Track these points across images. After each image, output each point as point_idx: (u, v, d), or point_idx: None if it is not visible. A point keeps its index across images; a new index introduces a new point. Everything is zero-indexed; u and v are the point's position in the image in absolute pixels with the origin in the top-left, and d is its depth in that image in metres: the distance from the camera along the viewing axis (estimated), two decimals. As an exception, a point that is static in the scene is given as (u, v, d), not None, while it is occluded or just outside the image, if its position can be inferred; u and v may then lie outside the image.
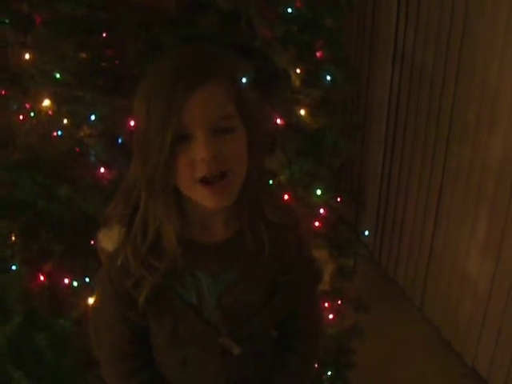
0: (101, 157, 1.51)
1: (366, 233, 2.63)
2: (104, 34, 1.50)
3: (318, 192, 1.76)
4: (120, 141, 1.50)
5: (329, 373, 1.97)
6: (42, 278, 1.53)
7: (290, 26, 1.62)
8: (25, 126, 1.56)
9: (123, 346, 1.06)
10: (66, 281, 1.55)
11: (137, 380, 1.08)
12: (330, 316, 1.93)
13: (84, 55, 1.49)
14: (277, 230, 1.01)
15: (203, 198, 0.91)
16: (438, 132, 2.53)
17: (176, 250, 0.95)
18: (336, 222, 1.90)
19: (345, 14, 1.81)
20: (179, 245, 0.95)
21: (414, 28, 2.62)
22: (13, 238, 1.52)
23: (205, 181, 0.89)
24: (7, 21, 1.50)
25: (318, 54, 1.74)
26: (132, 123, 1.35)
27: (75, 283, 1.55)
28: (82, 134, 1.52)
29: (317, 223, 1.83)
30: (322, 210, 1.83)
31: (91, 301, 1.45)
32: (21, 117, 1.57)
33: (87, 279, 1.54)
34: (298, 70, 1.68)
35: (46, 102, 1.51)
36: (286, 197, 1.69)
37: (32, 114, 1.54)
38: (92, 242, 1.41)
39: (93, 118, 1.49)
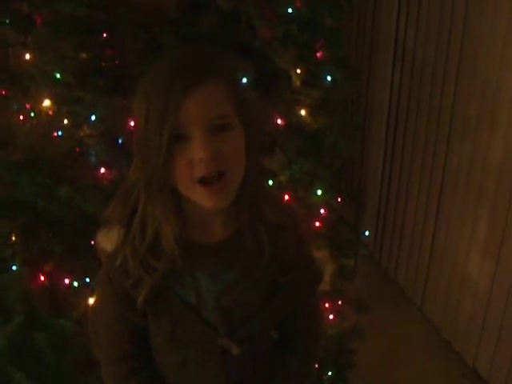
0: (101, 157, 1.51)
1: (367, 233, 2.63)
2: (104, 34, 1.50)
3: (319, 192, 1.76)
4: (120, 141, 1.50)
5: (329, 373, 1.97)
6: (42, 278, 1.53)
7: (290, 26, 1.62)
8: (25, 126, 1.56)
9: (122, 347, 1.06)
10: (67, 281, 1.55)
11: (136, 381, 1.08)
12: (331, 316, 1.93)
13: (84, 55, 1.49)
14: (277, 231, 1.01)
15: (201, 198, 0.91)
16: (438, 132, 2.53)
17: (174, 251, 0.95)
18: (336, 222, 1.90)
19: (345, 14, 1.81)
20: (178, 245, 0.95)
21: (414, 28, 2.62)
22: (13, 238, 1.52)
23: (203, 181, 0.89)
24: (7, 21, 1.50)
25: (318, 54, 1.74)
26: (132, 123, 1.35)
27: (75, 283, 1.55)
28: (82, 134, 1.52)
29: (317, 223, 1.83)
30: (322, 210, 1.83)
31: (92, 301, 1.45)
32: (21, 117, 1.57)
33: (87, 279, 1.54)
34: (299, 70, 1.68)
35: (47, 102, 1.51)
36: (286, 197, 1.69)
37: (32, 114, 1.54)
38: (92, 242, 1.40)
39: (93, 118, 1.49)
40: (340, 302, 1.95)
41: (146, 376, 1.09)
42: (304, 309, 1.15)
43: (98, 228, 1.08)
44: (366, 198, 2.85)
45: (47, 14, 1.48)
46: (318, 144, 1.76)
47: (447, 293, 2.59)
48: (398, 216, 2.94)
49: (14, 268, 1.53)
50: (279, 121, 1.68)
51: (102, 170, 1.52)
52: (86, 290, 1.52)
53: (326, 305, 1.90)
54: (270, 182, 1.67)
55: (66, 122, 1.51)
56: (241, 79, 1.52)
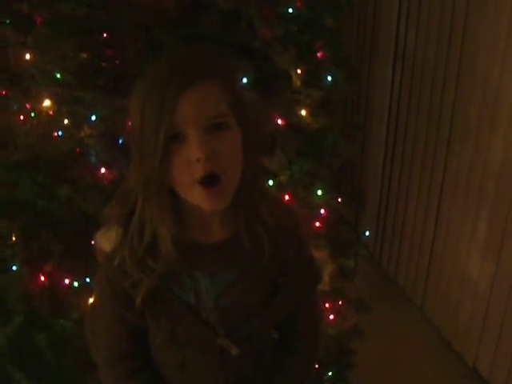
0: (101, 157, 1.51)
1: (367, 233, 2.62)
2: (104, 35, 1.50)
3: (319, 192, 1.76)
4: (120, 141, 1.50)
5: (329, 373, 1.97)
6: (42, 278, 1.53)
7: (290, 26, 1.62)
8: (25, 126, 1.56)
9: (120, 347, 1.06)
10: (67, 281, 1.55)
11: (135, 381, 1.08)
12: (331, 316, 1.93)
13: (84, 55, 1.49)
14: (276, 231, 1.01)
15: (199, 199, 0.91)
16: (438, 132, 2.53)
17: (171, 253, 0.95)
18: (336, 222, 1.90)
19: (345, 14, 1.81)
20: (176, 246, 0.95)
21: (414, 28, 2.62)
22: (13, 238, 1.52)
23: (203, 182, 0.89)
24: (8, 21, 1.50)
25: (318, 54, 1.74)
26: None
27: (76, 283, 1.55)
28: (82, 134, 1.52)
29: (317, 223, 1.83)
30: (322, 211, 1.83)
31: (92, 300, 1.45)
32: (21, 117, 1.57)
33: (88, 279, 1.53)
34: (299, 71, 1.68)
35: (47, 102, 1.51)
36: (286, 197, 1.69)
37: (32, 115, 1.54)
38: (92, 242, 1.41)
39: (93, 118, 1.49)
40: (340, 302, 1.95)
41: (145, 377, 1.09)
42: (304, 309, 1.15)
43: (98, 228, 1.08)
44: (367, 198, 2.84)
45: (47, 14, 1.48)
46: (318, 144, 1.76)
47: (447, 293, 2.58)
48: (398, 216, 2.93)
49: (14, 268, 1.53)
50: (279, 121, 1.68)
51: (103, 170, 1.52)
52: (86, 290, 1.52)
53: (327, 305, 1.90)
54: (270, 182, 1.67)
55: (66, 122, 1.51)
56: (240, 79, 1.53)
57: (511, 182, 2.11)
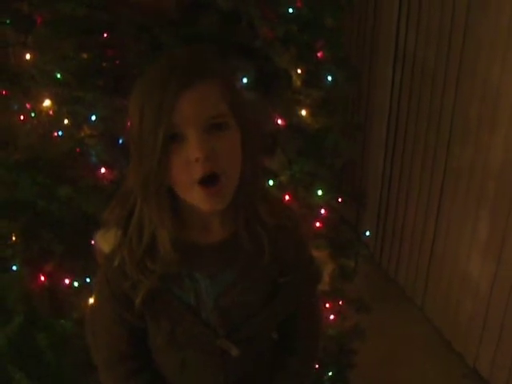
0: (101, 157, 1.51)
1: (367, 233, 2.62)
2: (105, 35, 1.50)
3: (319, 192, 1.76)
4: (120, 141, 1.50)
5: (330, 373, 1.97)
6: (42, 278, 1.53)
7: (290, 26, 1.62)
8: (25, 126, 1.56)
9: (120, 348, 1.06)
10: (67, 281, 1.55)
11: (135, 382, 1.08)
12: (331, 317, 1.92)
13: (85, 55, 1.49)
14: (276, 231, 1.01)
15: (199, 200, 0.91)
16: (439, 132, 2.52)
17: (170, 254, 0.95)
18: (337, 222, 1.90)
19: (345, 14, 1.81)
20: (174, 248, 0.95)
21: (415, 28, 2.62)
22: (13, 238, 1.52)
23: (203, 182, 0.88)
24: (8, 21, 1.49)
25: (318, 54, 1.74)
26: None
27: (76, 283, 1.55)
28: (82, 134, 1.52)
29: (318, 223, 1.83)
30: (322, 211, 1.83)
31: (92, 301, 1.45)
32: (21, 117, 1.56)
33: (88, 279, 1.53)
34: (299, 71, 1.68)
35: (47, 103, 1.51)
36: (286, 197, 1.69)
37: (33, 115, 1.54)
38: (92, 243, 1.41)
39: (93, 118, 1.49)
40: (340, 302, 1.94)
41: (145, 377, 1.09)
42: (304, 309, 1.15)
43: (98, 228, 1.08)
44: (367, 197, 2.84)
45: (47, 14, 1.48)
46: (319, 144, 1.76)
47: (448, 293, 2.58)
48: (398, 216, 2.93)
49: (15, 268, 1.53)
50: (280, 121, 1.68)
51: (103, 170, 1.52)
52: (87, 290, 1.52)
53: (327, 305, 1.90)
54: (271, 182, 1.67)
55: (66, 122, 1.51)
56: (241, 79, 1.53)
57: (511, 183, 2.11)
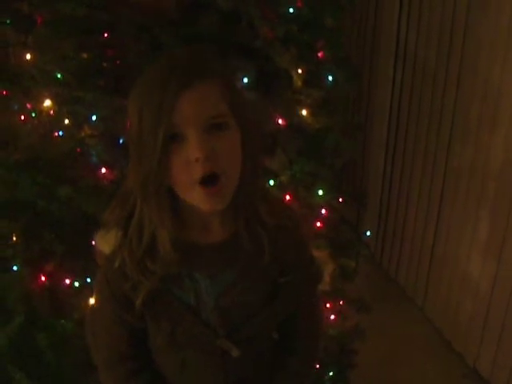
0: (102, 157, 1.51)
1: (368, 233, 2.62)
2: (105, 35, 1.50)
3: (320, 192, 1.75)
4: (121, 141, 1.50)
5: (330, 373, 1.97)
6: (43, 278, 1.53)
7: (290, 26, 1.62)
8: (26, 126, 1.56)
9: (120, 349, 1.06)
10: (67, 281, 1.55)
11: (135, 383, 1.08)
12: (332, 317, 1.92)
13: (85, 55, 1.49)
14: (277, 231, 1.01)
15: (198, 200, 0.91)
16: (439, 132, 2.52)
17: (170, 254, 0.95)
18: (337, 222, 1.90)
19: (346, 14, 1.80)
20: (174, 248, 0.95)
21: (416, 28, 2.62)
22: (14, 239, 1.52)
23: (203, 182, 0.88)
24: (8, 21, 1.49)
25: (319, 54, 1.74)
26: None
27: (76, 283, 1.55)
28: (82, 134, 1.52)
29: (318, 223, 1.82)
30: (323, 211, 1.82)
31: (92, 301, 1.45)
32: (22, 117, 1.56)
33: (88, 279, 1.53)
34: (300, 70, 1.68)
35: (47, 103, 1.51)
36: (287, 197, 1.69)
37: (33, 115, 1.54)
38: (93, 243, 1.41)
39: (94, 118, 1.48)
40: (341, 302, 1.94)
41: (145, 378, 1.08)
42: (304, 309, 1.14)
43: (99, 228, 1.08)
44: (367, 197, 2.84)
45: (47, 14, 1.48)
46: (319, 144, 1.76)
47: (448, 293, 2.58)
48: (399, 216, 2.93)
49: (15, 268, 1.53)
50: (280, 121, 1.68)
51: (103, 171, 1.52)
52: (87, 291, 1.52)
53: (328, 305, 1.90)
54: (271, 182, 1.67)
55: (66, 122, 1.51)
56: (241, 79, 1.52)
57: (512, 182, 2.11)
